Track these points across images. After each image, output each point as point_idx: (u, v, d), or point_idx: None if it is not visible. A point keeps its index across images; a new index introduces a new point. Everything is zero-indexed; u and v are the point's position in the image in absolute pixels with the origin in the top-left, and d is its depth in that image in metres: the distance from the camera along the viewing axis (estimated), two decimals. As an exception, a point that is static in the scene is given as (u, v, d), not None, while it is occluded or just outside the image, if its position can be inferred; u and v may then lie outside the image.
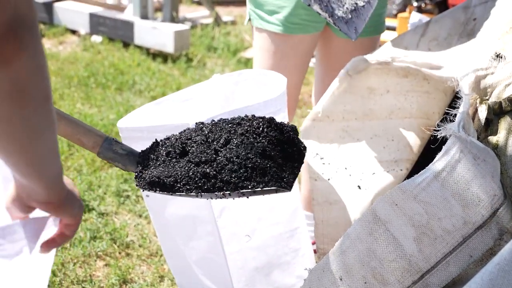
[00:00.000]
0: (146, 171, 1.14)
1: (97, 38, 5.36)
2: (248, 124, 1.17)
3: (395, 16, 4.71)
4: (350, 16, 1.72)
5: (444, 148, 1.26)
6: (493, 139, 1.30)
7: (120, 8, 5.65)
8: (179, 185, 1.10)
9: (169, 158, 1.15)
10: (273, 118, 1.20)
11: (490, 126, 1.33)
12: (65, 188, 0.92)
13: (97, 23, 5.40)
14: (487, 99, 1.35)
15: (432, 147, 1.44)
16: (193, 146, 1.15)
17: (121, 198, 2.79)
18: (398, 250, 1.25)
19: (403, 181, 1.44)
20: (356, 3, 1.74)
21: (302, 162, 1.19)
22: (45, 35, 5.43)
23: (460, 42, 1.77)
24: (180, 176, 1.10)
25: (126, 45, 5.21)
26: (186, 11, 6.56)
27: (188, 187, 1.09)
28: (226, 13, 6.65)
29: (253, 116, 1.22)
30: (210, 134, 1.17)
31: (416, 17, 2.10)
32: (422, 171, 1.27)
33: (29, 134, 0.76)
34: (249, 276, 1.74)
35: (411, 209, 1.25)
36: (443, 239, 1.23)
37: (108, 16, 5.34)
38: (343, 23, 1.72)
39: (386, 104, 1.86)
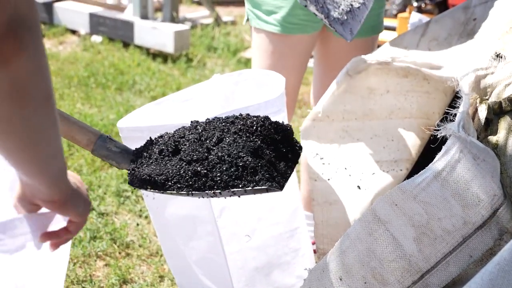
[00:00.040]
0: (139, 169, 1.14)
1: (97, 38, 5.36)
2: (242, 122, 1.17)
3: (395, 16, 4.71)
4: (345, 18, 1.73)
5: (444, 148, 1.26)
6: (493, 138, 1.30)
7: (120, 8, 5.65)
8: (170, 183, 1.09)
9: (162, 156, 1.14)
10: (267, 117, 1.20)
11: (490, 125, 1.33)
12: (70, 186, 0.92)
13: (97, 23, 5.40)
14: (487, 99, 1.35)
15: (432, 147, 1.44)
16: (185, 145, 1.15)
17: (121, 198, 2.79)
18: (398, 250, 1.25)
19: (403, 181, 1.44)
20: (352, 5, 1.74)
21: (297, 162, 1.18)
22: (45, 35, 5.43)
23: (460, 42, 1.77)
24: (171, 174, 1.10)
25: (126, 45, 5.21)
26: (186, 11, 6.56)
27: (179, 185, 1.09)
28: (226, 13, 6.65)
29: (248, 114, 1.21)
30: (203, 133, 1.17)
31: (416, 17, 2.10)
32: (422, 171, 1.27)
33: (30, 134, 0.77)
34: (249, 276, 1.74)
35: (411, 209, 1.25)
36: (443, 239, 1.23)
37: (108, 16, 5.34)
38: (339, 24, 1.72)
39: (386, 104, 1.86)
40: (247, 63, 4.94)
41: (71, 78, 4.39)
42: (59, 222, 1.00)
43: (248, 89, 1.88)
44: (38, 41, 0.72)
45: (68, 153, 3.19)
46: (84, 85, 4.29)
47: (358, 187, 1.87)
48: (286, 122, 1.70)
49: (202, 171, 1.08)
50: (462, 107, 1.27)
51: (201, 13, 6.26)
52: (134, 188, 1.16)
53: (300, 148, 1.22)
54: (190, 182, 1.08)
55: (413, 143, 1.88)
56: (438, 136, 1.29)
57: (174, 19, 5.30)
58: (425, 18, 2.11)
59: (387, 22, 4.57)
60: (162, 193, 1.11)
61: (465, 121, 1.25)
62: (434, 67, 1.66)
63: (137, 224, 2.60)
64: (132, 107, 3.85)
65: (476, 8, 1.82)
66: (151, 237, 2.50)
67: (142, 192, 1.87)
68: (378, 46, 2.05)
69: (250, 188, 1.07)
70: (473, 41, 1.71)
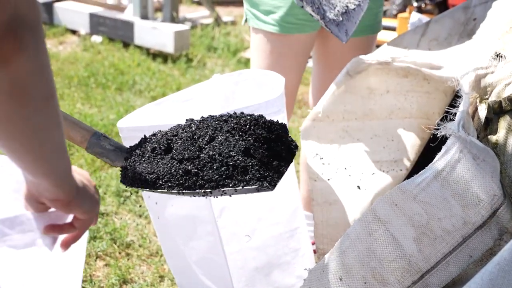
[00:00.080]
0: (131, 167, 1.14)
1: (97, 38, 5.36)
2: (235, 121, 1.16)
3: (395, 16, 4.71)
4: (341, 19, 1.73)
5: (444, 148, 1.26)
6: (492, 138, 1.30)
7: (120, 8, 5.65)
8: (161, 182, 1.09)
9: (154, 155, 1.14)
10: (262, 115, 1.19)
11: (489, 125, 1.33)
12: (75, 184, 0.92)
13: (97, 23, 5.40)
14: (487, 98, 1.35)
15: (432, 147, 1.44)
16: (178, 143, 1.15)
17: (121, 198, 2.79)
18: (398, 250, 1.25)
19: (403, 181, 1.44)
20: (347, 6, 1.74)
21: (291, 161, 1.17)
22: (45, 35, 5.43)
23: (460, 42, 1.77)
24: (162, 173, 1.09)
25: (126, 45, 5.21)
26: (186, 11, 6.56)
27: (169, 184, 1.08)
28: (226, 13, 6.65)
29: (242, 113, 1.20)
30: (197, 131, 1.16)
31: (416, 17, 2.10)
32: (421, 171, 1.27)
33: (32, 134, 0.77)
34: (249, 276, 1.74)
35: (410, 209, 1.25)
36: (443, 239, 1.23)
37: (108, 16, 5.34)
38: (334, 25, 1.72)
39: (386, 104, 1.86)
40: (247, 63, 4.94)
41: (71, 78, 4.39)
42: (69, 220, 1.00)
43: (248, 89, 1.88)
44: (39, 41, 0.71)
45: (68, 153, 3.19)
46: (84, 85, 4.29)
47: (358, 187, 1.87)
48: (286, 122, 1.71)
49: (192, 170, 1.08)
50: (462, 106, 1.27)
51: (201, 13, 6.26)
52: (126, 187, 1.16)
53: (296, 146, 1.21)
54: (181, 181, 1.08)
55: (413, 143, 1.88)
56: (438, 136, 1.29)
57: (174, 19, 5.30)
58: (425, 18, 2.11)
59: (387, 22, 4.59)
60: (153, 191, 1.11)
61: (465, 121, 1.25)
62: (434, 67, 1.66)
63: (137, 224, 2.60)
64: (132, 107, 3.86)
65: (476, 8, 1.82)
66: (151, 237, 2.50)
67: (142, 192, 1.87)
68: (378, 46, 2.05)
69: (240, 187, 1.06)
70: (473, 41, 1.71)
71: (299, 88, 3.27)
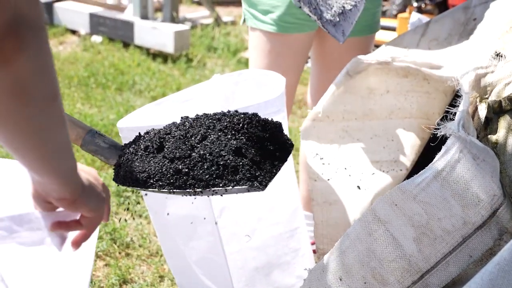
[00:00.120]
0: (123, 165, 1.13)
1: (97, 38, 5.37)
2: (228, 119, 1.16)
3: (395, 16, 4.71)
4: (338, 19, 1.73)
5: (444, 148, 1.26)
6: (492, 138, 1.30)
7: (120, 8, 5.66)
8: (152, 180, 1.08)
9: (147, 153, 1.14)
10: (256, 114, 1.18)
11: (489, 124, 1.33)
12: (81, 183, 0.92)
13: (97, 23, 5.40)
14: (487, 98, 1.35)
15: (432, 147, 1.44)
16: (170, 141, 1.14)
17: (121, 198, 2.79)
18: (397, 250, 1.25)
19: (402, 181, 1.44)
20: (344, 7, 1.75)
21: (285, 160, 1.16)
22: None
23: (460, 42, 1.77)
24: (153, 171, 1.09)
25: (126, 45, 5.21)
26: (186, 11, 6.56)
27: (160, 183, 1.08)
28: (226, 13, 6.65)
29: (236, 111, 1.20)
30: (190, 129, 1.15)
31: (415, 17, 2.10)
32: (421, 171, 1.27)
33: (36, 133, 0.77)
34: (249, 276, 1.74)
35: (410, 210, 1.25)
36: (442, 239, 1.23)
37: (108, 16, 5.34)
38: (331, 25, 1.73)
39: (386, 104, 1.86)
40: (247, 63, 4.94)
41: (71, 78, 4.39)
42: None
43: (248, 89, 1.88)
44: (41, 40, 0.72)
45: (68, 153, 3.19)
46: (84, 85, 4.29)
47: (358, 187, 1.87)
48: (286, 122, 1.71)
49: (183, 170, 1.07)
50: (462, 106, 1.27)
51: (201, 13, 6.26)
52: (118, 185, 1.15)
53: (291, 145, 1.20)
54: (171, 180, 1.07)
55: (413, 143, 1.88)
56: (437, 135, 1.29)
57: (174, 19, 5.30)
58: (425, 18, 2.11)
59: (387, 22, 4.59)
60: (144, 190, 1.10)
61: (465, 120, 1.25)
62: (434, 66, 1.66)
63: (137, 224, 2.60)
64: (132, 107, 3.86)
65: (476, 8, 1.82)
66: (151, 237, 2.50)
67: (143, 192, 1.87)
68: (378, 46, 2.05)
69: (230, 187, 1.05)
70: (473, 40, 1.71)
71: (300, 88, 3.27)
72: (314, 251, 2.03)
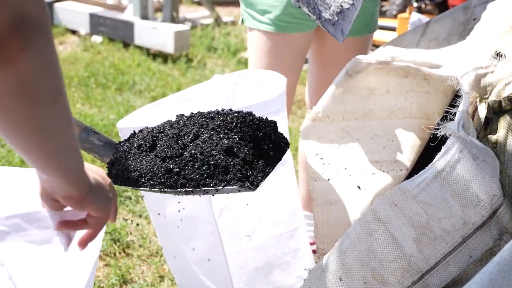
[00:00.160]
0: (116, 163, 1.13)
1: (97, 38, 5.37)
2: (221, 118, 1.15)
3: (395, 16, 4.71)
4: (336, 18, 1.74)
5: (444, 148, 1.26)
6: (492, 138, 1.30)
7: (120, 8, 5.66)
8: (143, 180, 1.08)
9: (139, 152, 1.13)
10: (251, 112, 1.17)
11: (489, 124, 1.33)
12: (88, 182, 0.92)
13: (97, 23, 5.40)
14: (487, 98, 1.35)
15: (432, 147, 1.44)
16: (163, 140, 1.13)
17: (121, 198, 2.79)
18: (397, 250, 1.25)
19: (402, 181, 1.44)
20: (342, 5, 1.75)
21: (280, 160, 1.15)
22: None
23: (460, 42, 1.77)
24: (145, 170, 1.08)
25: (126, 45, 5.21)
26: (186, 11, 6.56)
27: (152, 182, 1.07)
28: (226, 13, 6.65)
29: (230, 110, 1.19)
30: (183, 128, 1.15)
31: (415, 17, 2.09)
32: (421, 171, 1.27)
33: (41, 131, 0.77)
34: (249, 276, 1.74)
35: (410, 210, 1.25)
36: (442, 240, 1.23)
37: (108, 16, 5.34)
38: (330, 25, 1.73)
39: (386, 104, 1.86)
40: (247, 63, 4.92)
41: (71, 78, 4.39)
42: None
43: (248, 89, 1.88)
44: (46, 39, 0.72)
45: (68, 153, 3.19)
46: (84, 85, 4.29)
47: (358, 187, 1.87)
48: (286, 122, 1.71)
49: (174, 169, 1.07)
50: (462, 106, 1.27)
51: (201, 13, 6.26)
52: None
53: (287, 144, 1.19)
54: (163, 180, 1.07)
55: (413, 143, 1.88)
56: (437, 135, 1.29)
57: (174, 20, 5.30)
58: (425, 18, 2.10)
59: (387, 22, 4.59)
60: (136, 189, 1.10)
61: (465, 120, 1.25)
62: (434, 66, 1.66)
63: (137, 224, 2.60)
64: (132, 107, 3.86)
65: (476, 8, 1.82)
66: (151, 237, 2.50)
67: (142, 192, 1.87)
68: (378, 47, 2.05)
69: (221, 187, 1.05)
70: (473, 40, 1.71)
71: (300, 88, 3.27)
72: (314, 251, 2.03)
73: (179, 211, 1.70)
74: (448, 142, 1.25)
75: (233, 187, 1.05)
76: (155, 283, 2.23)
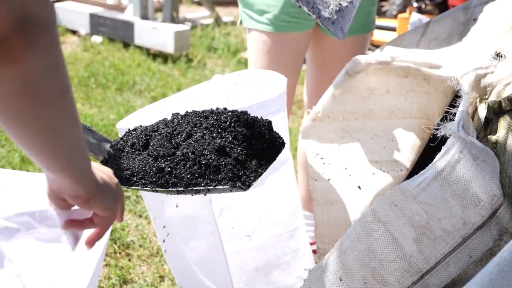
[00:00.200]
0: (109, 162, 1.12)
1: (97, 39, 5.37)
2: (215, 117, 1.14)
3: (395, 16, 4.71)
4: (335, 17, 1.74)
5: (444, 148, 1.26)
6: (492, 138, 1.30)
7: (120, 8, 5.66)
8: (135, 178, 1.08)
9: (133, 150, 1.13)
10: (245, 112, 1.16)
11: (489, 125, 1.34)
12: (95, 181, 0.92)
13: (97, 24, 5.40)
14: (487, 98, 1.36)
15: (432, 148, 1.44)
16: (156, 139, 1.13)
17: (121, 198, 2.79)
18: (397, 250, 1.25)
19: (403, 181, 1.44)
20: (340, 4, 1.75)
21: (274, 160, 1.15)
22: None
23: (460, 42, 1.77)
24: (137, 169, 1.08)
25: (126, 45, 5.21)
26: (186, 11, 6.56)
27: (143, 181, 1.07)
28: (227, 13, 6.65)
29: (225, 109, 1.19)
30: (177, 127, 1.14)
31: (415, 17, 2.10)
32: (421, 172, 1.27)
33: (47, 130, 0.78)
34: (249, 276, 1.74)
35: (410, 210, 1.25)
36: (442, 240, 1.23)
37: (108, 16, 5.34)
38: (330, 23, 1.73)
39: (386, 104, 1.87)
40: (247, 63, 4.91)
41: (71, 78, 4.39)
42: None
43: (248, 89, 1.88)
44: (51, 38, 0.72)
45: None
46: (84, 86, 4.29)
47: (359, 187, 1.87)
48: (286, 122, 1.71)
49: (166, 168, 1.07)
50: (462, 106, 1.27)
51: (201, 14, 6.26)
52: None
53: (282, 144, 1.18)
54: (154, 179, 1.06)
55: (413, 143, 1.88)
56: (437, 136, 1.29)
57: (174, 20, 5.30)
58: (425, 18, 2.11)
59: (387, 22, 4.59)
60: (128, 187, 1.09)
61: (465, 121, 1.25)
62: (434, 66, 1.66)
63: (137, 224, 2.60)
64: (132, 107, 3.86)
65: (476, 8, 1.82)
66: (151, 237, 2.50)
67: (142, 192, 1.87)
68: (378, 47, 2.05)
69: (212, 187, 1.04)
70: (473, 41, 1.71)
71: (300, 88, 3.27)
72: (314, 251, 2.03)
73: (178, 210, 1.70)
74: (448, 142, 1.25)
75: (225, 187, 1.04)
76: (155, 283, 2.23)
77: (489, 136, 1.31)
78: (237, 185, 1.04)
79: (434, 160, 1.26)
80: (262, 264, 1.75)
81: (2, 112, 0.73)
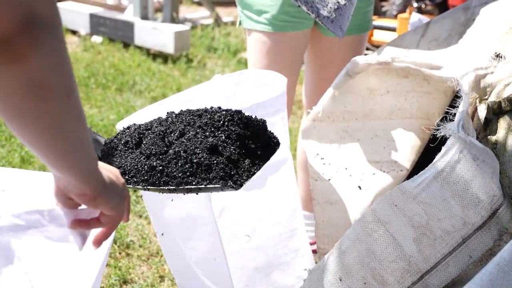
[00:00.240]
0: (102, 160, 1.12)
1: (97, 39, 5.37)
2: (209, 116, 1.14)
3: (395, 17, 4.71)
4: (334, 15, 1.74)
5: (444, 148, 1.26)
6: (492, 138, 1.30)
7: (120, 8, 5.66)
8: (127, 177, 1.07)
9: (125, 148, 1.13)
10: (239, 111, 1.16)
11: (489, 125, 1.34)
12: (102, 180, 0.92)
13: (97, 24, 5.40)
14: (487, 99, 1.36)
15: (432, 148, 1.44)
16: (149, 137, 1.13)
17: (121, 198, 2.79)
18: (397, 250, 1.25)
19: (403, 181, 1.44)
20: (338, 2, 1.76)
21: (267, 159, 1.14)
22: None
23: (460, 43, 1.78)
24: (129, 167, 1.08)
25: (126, 45, 5.21)
26: (186, 11, 6.57)
27: (135, 179, 1.07)
28: (227, 13, 6.65)
29: (219, 107, 1.19)
30: (170, 125, 1.14)
31: (415, 17, 2.10)
32: (421, 172, 1.27)
33: (53, 129, 0.78)
34: (249, 276, 1.74)
35: (410, 210, 1.25)
36: (442, 240, 1.23)
37: (109, 16, 5.34)
38: (329, 22, 1.74)
39: (386, 104, 1.87)
40: (247, 63, 4.93)
41: (71, 79, 4.39)
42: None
43: (249, 89, 1.88)
44: (56, 37, 0.72)
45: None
46: (84, 86, 4.29)
47: (359, 187, 1.87)
48: (286, 122, 1.71)
49: (158, 167, 1.06)
50: (462, 107, 1.27)
51: (201, 14, 6.26)
52: None
53: (277, 143, 1.18)
54: (146, 177, 1.06)
55: (413, 143, 1.88)
56: (437, 136, 1.29)
57: (174, 20, 5.30)
58: (425, 18, 2.11)
59: (387, 22, 4.59)
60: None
61: (465, 121, 1.26)
62: (434, 67, 1.66)
63: (137, 224, 2.60)
64: (133, 107, 3.86)
65: (476, 8, 1.82)
66: (151, 237, 2.50)
67: (141, 192, 1.87)
68: (378, 47, 2.05)
69: (203, 186, 1.04)
70: (473, 41, 1.71)
71: (300, 88, 3.27)
72: (314, 251, 2.03)
73: (178, 210, 1.70)
74: (448, 142, 1.26)
75: (216, 186, 1.04)
76: (155, 283, 2.23)
77: (489, 137, 1.31)
78: (229, 184, 1.04)
79: (434, 161, 1.27)
80: (262, 264, 1.75)
81: (8, 111, 0.73)
